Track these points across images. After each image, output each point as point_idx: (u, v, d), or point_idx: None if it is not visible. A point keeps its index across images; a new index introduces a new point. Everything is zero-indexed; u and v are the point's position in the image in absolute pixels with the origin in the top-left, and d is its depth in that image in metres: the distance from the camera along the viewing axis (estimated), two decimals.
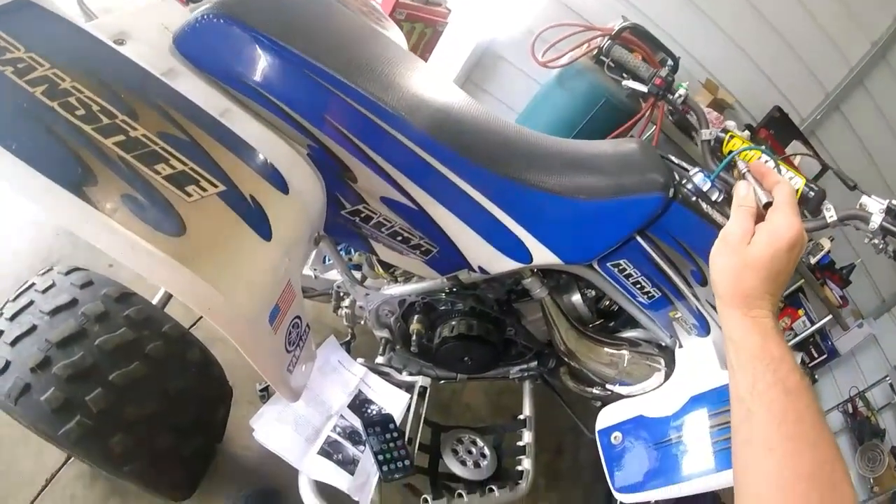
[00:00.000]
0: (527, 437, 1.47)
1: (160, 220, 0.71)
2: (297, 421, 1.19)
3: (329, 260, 1.46)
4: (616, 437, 1.26)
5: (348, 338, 1.47)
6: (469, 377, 1.53)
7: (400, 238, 1.16)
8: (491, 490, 1.34)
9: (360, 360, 1.37)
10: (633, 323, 1.36)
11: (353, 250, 1.50)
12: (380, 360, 1.41)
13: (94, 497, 1.43)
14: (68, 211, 0.67)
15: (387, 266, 1.35)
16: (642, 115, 2.16)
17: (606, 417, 1.29)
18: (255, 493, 1.40)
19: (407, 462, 1.24)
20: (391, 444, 1.25)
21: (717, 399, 1.13)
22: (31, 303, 1.10)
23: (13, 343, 1.04)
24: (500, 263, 1.17)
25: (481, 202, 1.09)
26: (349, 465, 1.18)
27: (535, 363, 1.52)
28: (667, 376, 1.28)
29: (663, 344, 1.31)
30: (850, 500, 0.57)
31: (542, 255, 1.15)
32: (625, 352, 1.32)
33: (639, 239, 1.13)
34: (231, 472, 1.53)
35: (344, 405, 1.27)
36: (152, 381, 1.10)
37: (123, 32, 0.90)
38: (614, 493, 1.22)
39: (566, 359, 1.37)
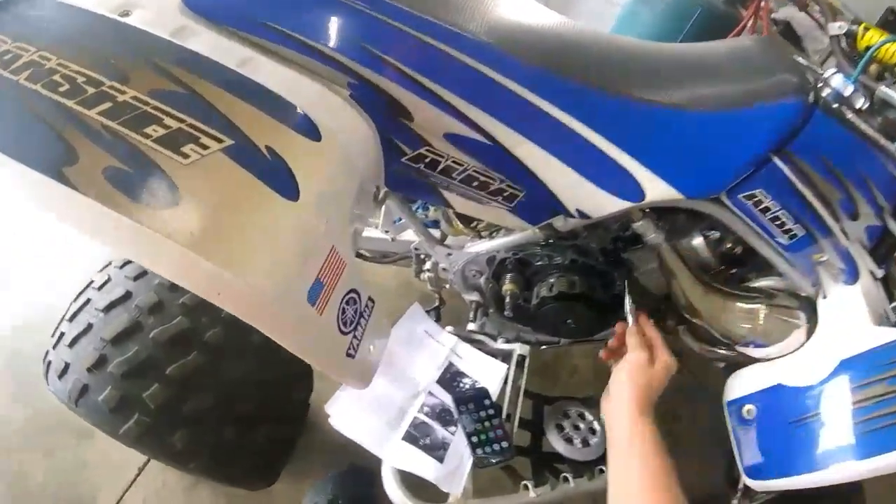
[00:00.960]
0: None
1: (148, 191, 0.59)
2: (379, 402, 1.05)
3: (400, 219, 1.29)
4: (749, 410, 1.03)
5: (436, 304, 1.30)
6: (573, 342, 1.33)
7: (476, 184, 0.96)
8: (602, 472, 1.14)
9: (449, 328, 1.21)
10: (764, 270, 1.11)
11: (428, 206, 1.32)
12: (471, 326, 1.24)
13: (185, 483, 1.39)
14: (47, 197, 0.59)
15: (467, 220, 1.15)
16: (746, 22, 1.80)
17: (737, 386, 1.07)
18: (343, 474, 1.28)
19: (505, 444, 1.07)
20: (486, 424, 1.08)
21: (871, 364, 0.89)
22: (87, 301, 1.08)
23: (71, 344, 1.02)
24: (604, 204, 0.95)
25: (574, 128, 0.87)
26: (438, 450, 1.03)
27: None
28: (808, 334, 1.02)
29: (803, 294, 1.05)
30: None
31: (658, 190, 0.91)
32: (761, 306, 1.07)
33: (776, 160, 0.87)
34: (318, 451, 1.44)
35: (432, 380, 1.12)
36: (212, 371, 1.01)
37: (129, 3, 0.76)
38: (743, 476, 1.01)
39: (688, 315, 1.14)
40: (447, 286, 1.27)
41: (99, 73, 0.65)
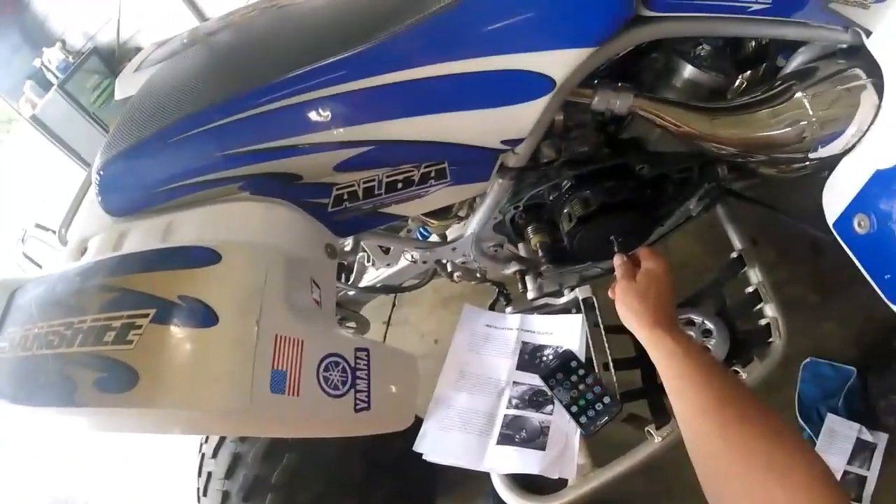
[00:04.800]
0: (753, 276, 1.06)
1: (119, 382, 0.71)
2: (464, 418, 1.02)
3: (370, 259, 1.25)
4: (860, 221, 0.80)
5: (496, 295, 1.23)
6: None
7: (401, 185, 0.90)
8: (737, 373, 0.98)
9: (508, 309, 1.13)
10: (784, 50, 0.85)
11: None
12: (531, 294, 1.14)
13: None
14: (71, 422, 0.83)
15: (438, 214, 1.08)
16: None
17: (833, 198, 0.83)
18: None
19: (607, 399, 0.96)
20: (582, 386, 0.99)
21: None
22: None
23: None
24: (523, 117, 0.81)
25: (427, 73, 0.78)
26: (537, 439, 0.96)
27: (707, 183, 1.05)
28: (878, 91, 0.76)
29: (843, 49, 0.78)
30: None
31: (564, 61, 0.76)
32: (797, 91, 0.81)
33: None
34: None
35: (512, 370, 1.05)
36: (314, 462, 1.08)
37: (83, 240, 0.96)
38: (890, 304, 0.77)
39: (725, 155, 0.92)
40: (483, 272, 1.19)
41: (68, 317, 0.81)
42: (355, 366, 0.86)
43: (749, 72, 1.00)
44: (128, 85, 1.13)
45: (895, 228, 0.75)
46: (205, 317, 0.75)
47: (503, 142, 0.85)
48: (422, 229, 1.23)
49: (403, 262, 1.18)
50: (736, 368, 1.00)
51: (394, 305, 1.80)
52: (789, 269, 1.58)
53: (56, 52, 3.84)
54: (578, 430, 0.95)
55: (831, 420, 1.37)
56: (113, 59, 3.84)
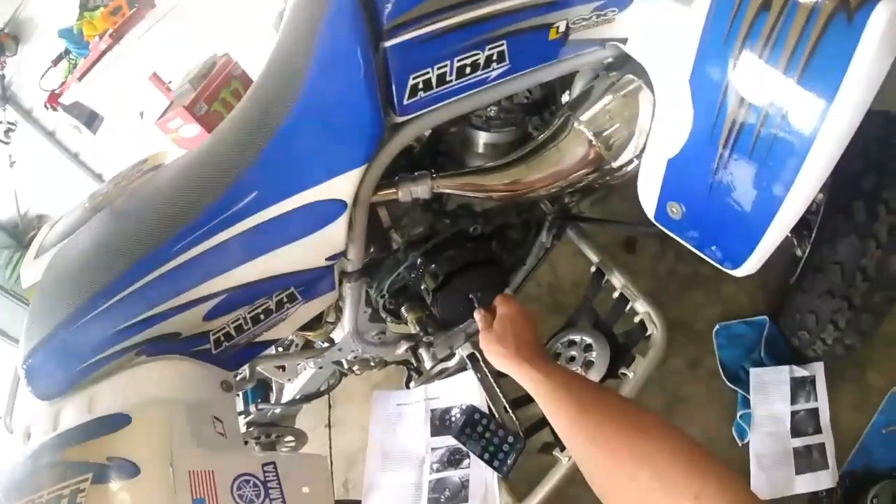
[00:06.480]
0: (615, 281, 1.15)
1: None
2: (395, 496, 1.10)
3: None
4: (673, 208, 0.90)
5: (406, 374, 1.33)
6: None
7: (263, 316, 1.01)
8: (624, 374, 1.06)
9: (412, 384, 1.23)
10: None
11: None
12: (427, 365, 1.24)
13: None
14: None
15: (310, 325, 1.18)
16: None
17: (646, 196, 0.93)
18: None
19: (511, 438, 1.05)
20: (488, 434, 1.07)
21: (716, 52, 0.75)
22: None
23: None
24: (332, 237, 0.94)
25: (245, 227, 0.91)
26: (459, 493, 1.05)
27: (550, 218, 1.20)
28: (650, 87, 0.88)
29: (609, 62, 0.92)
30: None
31: (343, 185, 0.89)
32: (573, 121, 0.95)
33: (388, 44, 0.80)
34: None
35: (428, 438, 1.14)
36: None
37: (27, 426, 1.02)
38: (730, 272, 0.89)
39: (543, 196, 1.05)
40: (378, 361, 1.29)
41: (30, 496, 0.87)
42: (265, 479, 0.95)
43: (544, 111, 1.12)
44: (31, 272, 1.20)
45: (701, 204, 0.85)
46: (130, 470, 0.86)
47: (329, 258, 0.96)
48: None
49: (310, 371, 1.28)
50: (623, 371, 1.09)
51: (330, 407, 1.89)
52: (675, 252, 1.69)
53: None
54: (495, 475, 1.03)
55: (755, 374, 1.38)
56: (18, 231, 3.87)
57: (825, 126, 0.67)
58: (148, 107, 2.47)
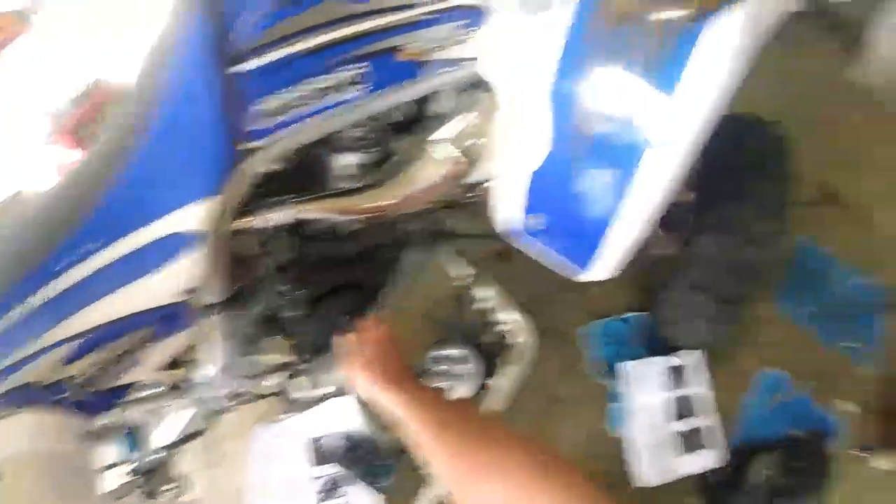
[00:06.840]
0: (485, 294, 1.20)
1: None
2: None
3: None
4: (534, 220, 0.92)
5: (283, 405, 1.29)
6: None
7: (122, 358, 0.94)
8: (496, 384, 1.12)
9: (289, 414, 1.20)
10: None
11: None
12: (304, 393, 1.21)
13: None
14: None
15: (172, 365, 1.13)
16: None
17: (504, 208, 0.95)
18: None
19: (389, 461, 1.05)
20: (369, 455, 1.08)
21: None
22: None
23: None
24: (187, 270, 0.89)
25: (93, 266, 0.86)
26: None
27: (419, 235, 1.21)
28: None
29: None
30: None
31: (196, 216, 0.85)
32: (425, 144, 0.98)
33: (236, 70, 0.80)
34: None
35: (311, 467, 1.12)
36: None
37: None
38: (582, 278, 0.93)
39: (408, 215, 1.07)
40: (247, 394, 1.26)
41: None
42: None
43: (411, 131, 1.14)
44: None
45: (561, 213, 0.88)
46: None
47: (186, 292, 0.92)
48: None
49: (187, 411, 1.21)
50: (494, 380, 1.13)
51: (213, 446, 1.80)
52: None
53: None
54: (378, 494, 1.03)
55: (623, 368, 1.41)
56: None
57: (663, 131, 0.74)
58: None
